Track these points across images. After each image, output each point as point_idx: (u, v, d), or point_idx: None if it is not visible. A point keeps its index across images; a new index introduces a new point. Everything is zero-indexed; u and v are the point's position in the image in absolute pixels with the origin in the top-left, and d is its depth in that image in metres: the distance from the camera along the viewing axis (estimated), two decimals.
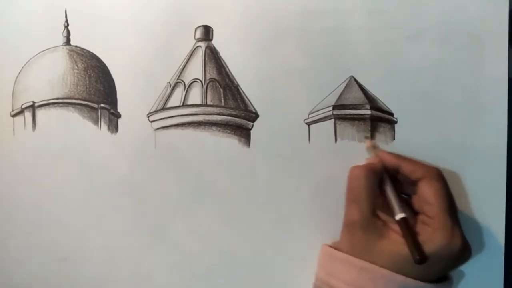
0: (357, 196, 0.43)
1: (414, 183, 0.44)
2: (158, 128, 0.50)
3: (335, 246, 0.45)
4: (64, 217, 0.51)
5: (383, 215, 0.44)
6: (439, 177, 0.43)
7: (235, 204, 0.49)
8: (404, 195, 0.46)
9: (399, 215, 0.42)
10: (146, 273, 0.51)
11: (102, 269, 0.51)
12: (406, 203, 0.45)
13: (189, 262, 0.50)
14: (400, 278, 0.41)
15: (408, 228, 0.41)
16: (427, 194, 0.42)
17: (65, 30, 0.51)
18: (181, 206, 0.50)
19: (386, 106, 0.48)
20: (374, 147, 0.47)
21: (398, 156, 0.45)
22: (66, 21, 0.51)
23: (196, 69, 0.50)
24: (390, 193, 0.44)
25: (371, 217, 0.42)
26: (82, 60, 0.51)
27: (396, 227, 0.43)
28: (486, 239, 0.47)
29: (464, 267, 0.46)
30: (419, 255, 0.40)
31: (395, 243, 0.41)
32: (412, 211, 0.44)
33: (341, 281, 0.42)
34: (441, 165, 0.47)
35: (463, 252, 0.42)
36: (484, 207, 0.47)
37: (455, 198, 0.45)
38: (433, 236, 0.41)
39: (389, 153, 0.46)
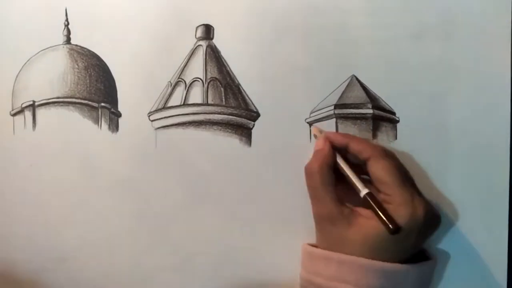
0: (317, 193, 0.44)
1: (364, 163, 0.44)
2: (158, 128, 0.50)
3: (314, 244, 0.45)
4: (64, 216, 0.51)
5: (347, 203, 0.44)
6: (384, 154, 0.43)
7: (236, 203, 0.49)
8: (364, 176, 0.45)
9: (363, 191, 0.42)
10: (146, 273, 0.50)
11: (102, 269, 0.51)
12: (367, 183, 0.44)
13: (189, 262, 0.50)
14: (379, 264, 0.41)
15: (376, 202, 0.41)
16: (377, 173, 0.43)
17: (66, 29, 0.51)
18: (182, 205, 0.50)
19: (388, 105, 0.48)
20: (320, 132, 0.47)
21: (346, 135, 0.46)
22: (67, 20, 0.51)
23: (197, 68, 0.50)
24: (349, 173, 0.44)
25: (335, 208, 0.43)
26: (82, 59, 0.51)
27: (363, 211, 0.43)
28: (490, 239, 0.47)
29: (468, 267, 0.46)
30: (393, 224, 0.40)
31: (365, 227, 0.42)
32: (375, 191, 0.44)
33: (322, 277, 0.42)
34: (443, 164, 0.47)
35: (430, 219, 0.42)
36: (487, 207, 0.47)
37: (456, 198, 0.45)
38: (396, 211, 0.41)
39: (336, 132, 0.46)
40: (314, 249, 0.44)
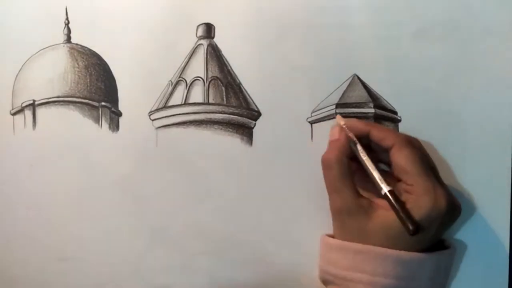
0: (335, 185, 0.43)
1: (386, 151, 0.43)
2: (159, 127, 0.50)
3: (331, 235, 0.45)
4: (64, 216, 0.51)
5: (365, 193, 0.44)
6: (408, 143, 0.43)
7: (237, 203, 0.49)
8: (382, 164, 0.45)
9: (385, 189, 0.41)
10: (147, 273, 0.50)
11: (102, 269, 0.51)
12: (386, 173, 0.44)
13: (190, 262, 0.50)
14: (395, 253, 0.41)
15: (396, 200, 0.41)
16: (400, 162, 0.42)
17: (66, 28, 0.51)
18: (183, 205, 0.50)
19: (390, 105, 0.48)
20: (342, 121, 0.46)
21: (367, 123, 0.45)
22: (67, 18, 0.51)
23: (198, 67, 0.50)
24: (370, 167, 0.43)
25: (354, 200, 0.42)
26: (82, 58, 0.51)
27: (381, 202, 0.42)
28: (490, 238, 0.47)
29: (469, 267, 0.46)
30: (412, 225, 0.39)
31: (384, 219, 0.41)
32: (394, 180, 0.43)
33: (339, 267, 0.42)
34: (445, 163, 0.47)
35: (452, 210, 0.42)
36: (488, 206, 0.47)
37: (460, 197, 0.44)
38: (418, 202, 0.40)
39: (357, 120, 0.46)
40: (331, 239, 0.44)
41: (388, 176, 0.43)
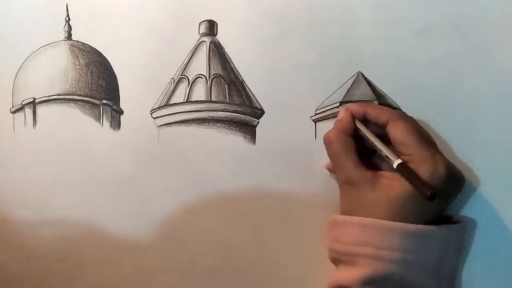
0: (338, 160, 0.44)
1: (383, 128, 0.44)
2: (161, 125, 0.50)
3: (337, 214, 0.46)
4: (65, 215, 0.51)
5: (370, 168, 0.44)
6: (402, 116, 0.44)
7: (240, 202, 0.49)
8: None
9: (396, 162, 0.42)
10: (149, 274, 0.50)
11: (103, 269, 0.50)
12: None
13: (193, 261, 0.50)
14: (401, 225, 0.41)
15: (410, 170, 0.41)
16: (397, 135, 0.43)
17: (67, 25, 0.51)
18: (185, 204, 0.50)
19: (395, 103, 0.48)
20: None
21: (363, 104, 0.46)
22: (68, 15, 0.50)
23: (200, 65, 0.49)
24: (378, 143, 0.43)
25: (358, 171, 0.43)
26: (83, 55, 0.51)
27: (386, 173, 0.43)
28: (501, 216, 0.46)
29: (480, 245, 0.46)
30: (430, 190, 0.39)
31: (388, 188, 0.42)
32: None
33: (344, 243, 0.43)
34: (451, 161, 0.45)
35: (453, 180, 0.42)
36: (495, 203, 0.46)
37: (464, 197, 0.45)
38: (418, 170, 0.41)
39: (355, 103, 0.47)
40: (336, 216, 0.45)
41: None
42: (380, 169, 0.44)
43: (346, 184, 0.44)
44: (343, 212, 0.45)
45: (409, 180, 0.41)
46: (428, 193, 0.39)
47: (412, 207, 0.41)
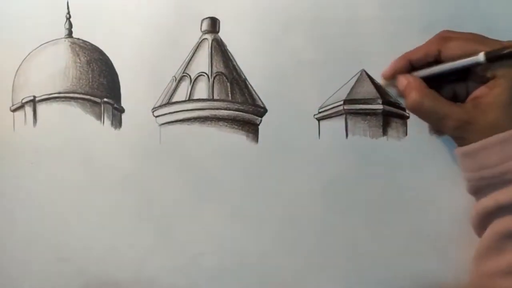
0: (438, 114, 0.43)
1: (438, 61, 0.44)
2: (163, 124, 0.50)
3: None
4: (66, 215, 0.50)
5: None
6: (449, 36, 0.44)
7: (242, 202, 0.49)
8: None
9: (481, 54, 0.42)
10: (150, 274, 0.50)
11: (104, 269, 0.50)
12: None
13: (194, 262, 0.49)
14: None
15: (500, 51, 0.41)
16: (454, 56, 0.43)
17: (67, 22, 0.50)
18: (187, 204, 0.49)
19: (398, 101, 0.48)
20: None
21: (400, 57, 0.46)
22: (68, 12, 0.50)
23: (202, 62, 0.49)
24: (447, 66, 0.43)
25: (460, 109, 0.43)
26: (84, 53, 0.50)
27: (475, 94, 0.43)
28: None
29: None
30: None
31: (496, 96, 0.42)
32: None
33: (490, 167, 0.42)
34: (452, 160, 0.46)
35: None
36: None
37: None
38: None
39: (392, 63, 0.46)
40: (468, 146, 0.43)
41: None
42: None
43: (460, 125, 0.43)
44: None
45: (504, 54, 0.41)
46: None
47: None
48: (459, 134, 0.43)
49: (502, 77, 0.42)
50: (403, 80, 0.45)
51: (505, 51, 0.41)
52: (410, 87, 0.44)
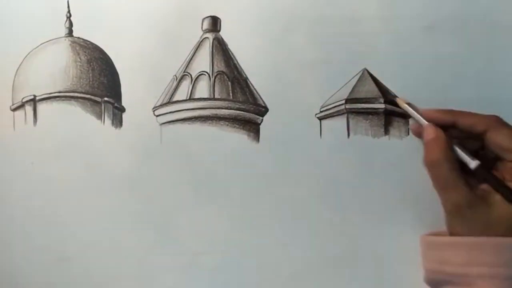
0: (447, 182, 0.42)
1: (477, 137, 0.43)
2: (164, 123, 0.49)
3: (437, 233, 0.44)
4: (66, 215, 0.50)
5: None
6: (503, 122, 0.42)
7: (243, 201, 0.49)
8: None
9: (474, 163, 0.41)
10: (150, 273, 0.50)
11: (106, 269, 0.50)
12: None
13: (195, 262, 0.49)
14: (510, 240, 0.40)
15: (490, 172, 0.41)
16: (502, 141, 0.41)
17: (68, 21, 0.51)
18: (187, 204, 0.49)
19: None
20: (409, 105, 0.45)
21: (449, 111, 0.44)
22: (69, 11, 0.50)
23: (203, 62, 0.49)
24: (458, 149, 0.42)
25: (471, 191, 0.41)
26: (85, 52, 0.50)
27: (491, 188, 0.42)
28: None
29: None
30: None
31: (505, 203, 0.41)
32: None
33: (452, 264, 0.41)
34: None
35: None
36: None
37: None
38: None
39: (437, 110, 0.44)
40: (440, 238, 0.43)
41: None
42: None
43: (459, 206, 0.41)
44: (456, 233, 0.42)
45: (490, 181, 0.40)
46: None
47: None
48: (453, 214, 0.42)
49: None
50: (431, 132, 0.43)
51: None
52: (435, 143, 0.43)
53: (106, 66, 0.50)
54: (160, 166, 0.49)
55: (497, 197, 0.41)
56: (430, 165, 0.42)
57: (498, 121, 0.42)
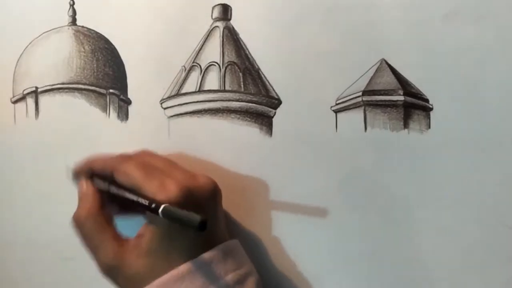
0: (94, 244, 0.41)
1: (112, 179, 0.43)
2: (171, 116, 0.49)
3: None
4: (69, 212, 0.48)
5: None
6: (125, 158, 0.43)
7: (255, 197, 0.48)
8: None
9: (160, 208, 0.38)
10: None
11: None
12: None
13: None
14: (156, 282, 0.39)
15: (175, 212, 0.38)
16: (123, 182, 0.41)
17: (71, 9, 0.50)
18: None
19: (421, 92, 0.46)
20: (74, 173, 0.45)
21: (88, 161, 0.45)
22: None
23: (213, 52, 0.49)
24: (130, 196, 0.41)
25: (119, 249, 0.41)
26: (89, 41, 0.50)
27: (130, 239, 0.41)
28: None
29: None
30: (200, 219, 0.36)
31: (143, 241, 0.40)
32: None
33: None
34: (480, 155, 0.45)
35: (193, 192, 0.40)
36: None
37: (493, 192, 0.44)
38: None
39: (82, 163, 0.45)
40: None
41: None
42: None
43: (109, 269, 0.41)
44: None
45: (175, 218, 0.38)
46: (199, 219, 0.36)
47: (164, 244, 0.39)
48: (110, 277, 0.41)
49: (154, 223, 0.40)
50: (81, 185, 0.44)
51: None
52: (84, 197, 0.43)
53: (112, 56, 0.50)
54: None
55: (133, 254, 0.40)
56: (75, 224, 0.43)
57: (121, 158, 0.43)
